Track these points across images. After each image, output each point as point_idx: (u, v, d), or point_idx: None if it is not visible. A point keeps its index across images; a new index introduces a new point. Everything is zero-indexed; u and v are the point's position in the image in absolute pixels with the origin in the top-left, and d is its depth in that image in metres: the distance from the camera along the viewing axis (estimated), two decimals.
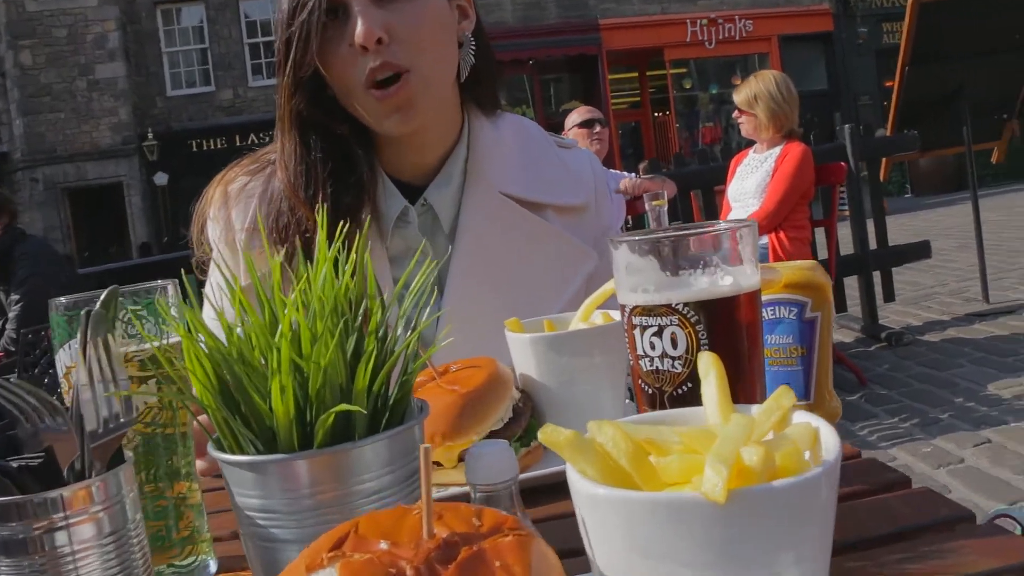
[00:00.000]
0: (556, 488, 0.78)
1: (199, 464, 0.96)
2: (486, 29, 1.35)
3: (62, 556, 0.59)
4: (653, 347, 0.70)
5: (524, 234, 1.32)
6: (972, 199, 6.40)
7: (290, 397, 0.62)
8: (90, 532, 0.60)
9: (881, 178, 6.26)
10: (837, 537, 0.50)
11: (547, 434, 0.51)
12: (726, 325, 0.69)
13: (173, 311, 0.82)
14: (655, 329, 0.69)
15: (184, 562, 0.82)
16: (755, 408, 0.55)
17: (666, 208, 4.23)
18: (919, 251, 6.19)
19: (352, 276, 0.70)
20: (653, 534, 0.45)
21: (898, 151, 6.31)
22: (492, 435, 0.94)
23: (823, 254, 5.24)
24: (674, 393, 0.69)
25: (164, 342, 0.79)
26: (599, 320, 1.06)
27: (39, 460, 0.60)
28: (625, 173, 4.96)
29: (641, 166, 6.29)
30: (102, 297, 0.65)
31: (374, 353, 0.64)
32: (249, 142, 18.82)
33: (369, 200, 1.26)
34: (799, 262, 0.85)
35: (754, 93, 4.61)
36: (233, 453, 0.65)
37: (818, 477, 0.46)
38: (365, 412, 0.63)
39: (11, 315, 4.33)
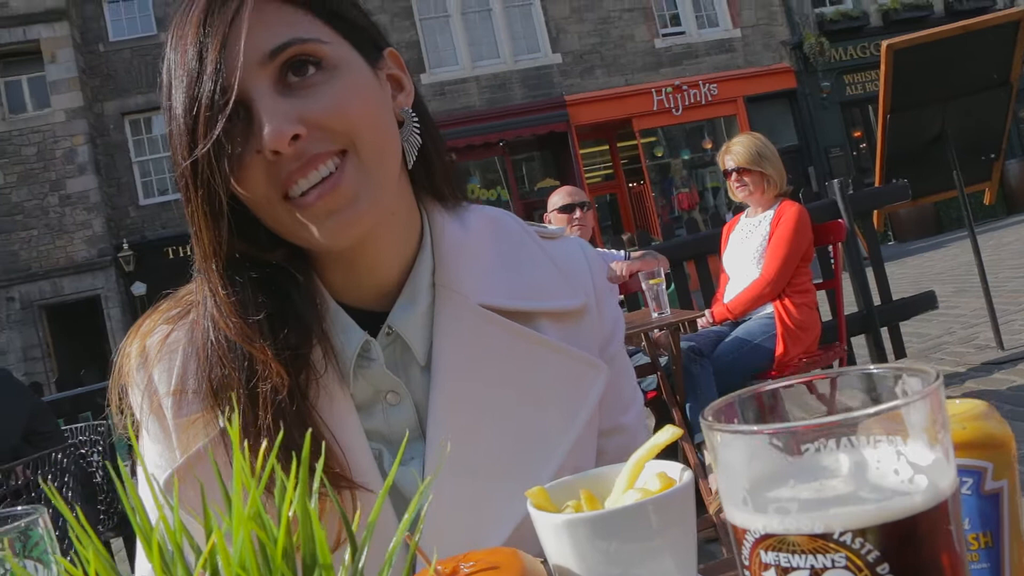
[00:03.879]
0: None
1: None
2: (455, 115, 1.09)
3: None
4: None
5: (517, 354, 1.03)
6: (972, 243, 6.20)
7: None
8: None
9: (876, 228, 6.07)
10: None
11: None
12: (926, 558, 0.41)
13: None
14: (805, 574, 0.42)
15: None
16: None
17: (664, 286, 4.00)
18: (925, 303, 5.97)
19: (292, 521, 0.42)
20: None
21: (890, 202, 6.13)
22: None
23: (827, 317, 5.01)
24: None
25: None
26: (654, 483, 0.78)
27: None
28: (614, 252, 4.72)
29: (625, 238, 6.09)
30: None
31: None
32: None
33: (320, 338, 0.98)
34: (964, 407, 0.57)
35: (757, 150, 4.37)
36: None
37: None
38: None
39: None
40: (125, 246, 20.17)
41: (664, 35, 22.60)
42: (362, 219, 0.94)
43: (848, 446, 0.44)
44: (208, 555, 0.42)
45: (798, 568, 0.41)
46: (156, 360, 1.01)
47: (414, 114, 1.03)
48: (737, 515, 0.44)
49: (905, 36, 6.12)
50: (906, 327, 6.44)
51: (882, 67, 5.85)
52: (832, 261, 4.95)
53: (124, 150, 21.07)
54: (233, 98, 0.87)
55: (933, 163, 6.25)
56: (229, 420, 0.95)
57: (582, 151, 21.92)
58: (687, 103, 22.28)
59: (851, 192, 5.88)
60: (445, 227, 1.06)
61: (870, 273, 6.05)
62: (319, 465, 0.48)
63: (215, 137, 0.87)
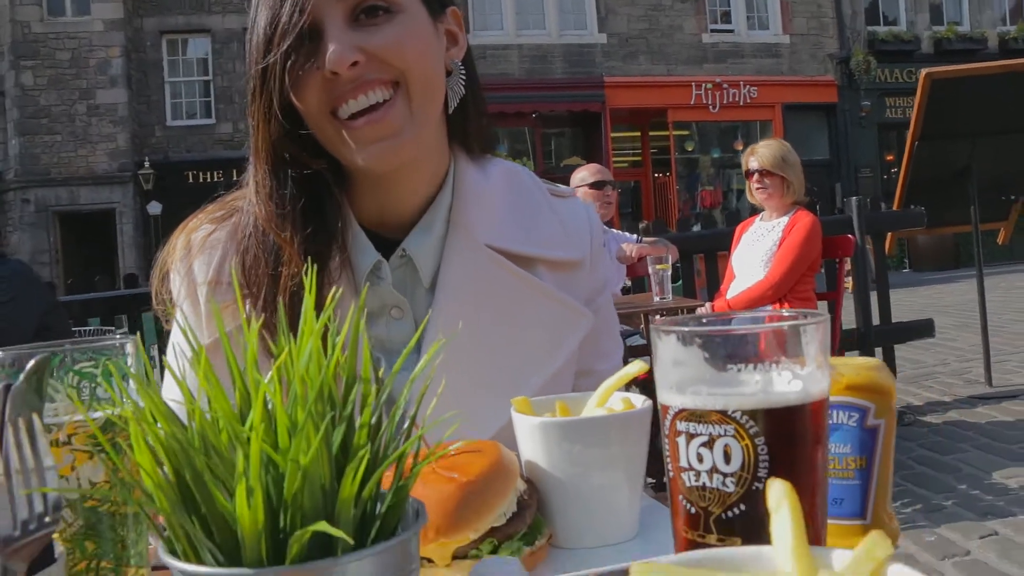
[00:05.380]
0: None
1: None
2: (492, 80, 1.25)
3: None
4: (701, 460, 0.58)
5: (512, 291, 1.19)
6: (978, 280, 6.33)
7: (259, 502, 0.50)
8: None
9: (887, 252, 6.19)
10: None
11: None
12: (791, 439, 0.57)
13: (127, 380, 0.70)
14: (704, 439, 0.58)
15: None
16: (837, 557, 0.45)
17: (669, 272, 4.15)
18: (922, 329, 6.10)
19: (344, 352, 0.58)
20: None
21: (905, 226, 6.25)
22: (492, 531, 0.82)
23: None
24: (723, 516, 0.58)
25: (116, 411, 0.67)
26: (619, 406, 0.94)
27: None
28: (627, 234, 4.88)
29: (641, 226, 6.23)
30: (28, 367, 0.54)
31: (366, 452, 0.52)
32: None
33: (339, 249, 1.14)
34: (862, 360, 0.73)
35: (782, 155, 4.49)
36: (187, 561, 0.53)
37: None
38: (351, 540, 0.51)
39: None
40: (147, 164, 20.13)
41: (713, 31, 22.56)
42: (403, 150, 1.10)
43: (763, 370, 0.60)
44: (276, 369, 0.58)
45: (700, 435, 0.58)
46: (198, 253, 1.18)
47: (463, 67, 1.19)
48: (665, 395, 0.60)
49: (947, 67, 6.21)
50: (902, 352, 6.57)
51: (918, 94, 5.95)
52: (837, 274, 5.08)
53: (158, 68, 20.99)
54: (306, 20, 1.04)
55: (953, 195, 6.36)
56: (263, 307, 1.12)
57: (613, 134, 21.95)
58: (725, 102, 22.27)
59: (868, 211, 5.99)
60: (467, 173, 1.22)
61: (875, 295, 6.18)
62: (361, 320, 0.63)
63: (284, 49, 1.05)
